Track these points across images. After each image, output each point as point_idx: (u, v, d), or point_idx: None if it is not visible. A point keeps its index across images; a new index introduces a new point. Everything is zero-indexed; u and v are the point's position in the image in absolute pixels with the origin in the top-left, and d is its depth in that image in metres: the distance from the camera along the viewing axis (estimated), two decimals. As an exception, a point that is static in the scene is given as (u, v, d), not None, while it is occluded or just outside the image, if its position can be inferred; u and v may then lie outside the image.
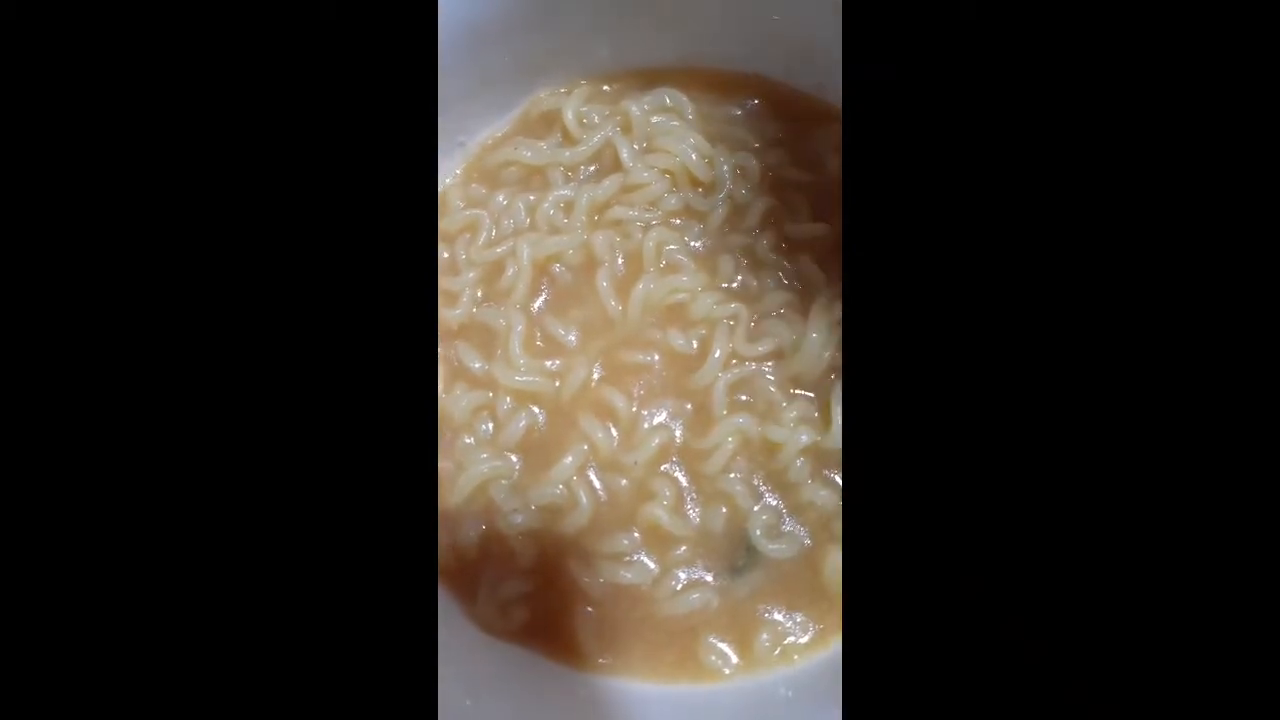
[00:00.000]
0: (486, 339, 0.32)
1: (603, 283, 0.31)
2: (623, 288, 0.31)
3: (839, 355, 0.30)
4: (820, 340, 0.30)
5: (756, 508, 0.29)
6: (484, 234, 0.33)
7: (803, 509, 0.29)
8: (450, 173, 0.34)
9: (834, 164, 0.33)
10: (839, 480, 0.29)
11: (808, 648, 0.28)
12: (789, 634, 0.28)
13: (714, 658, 0.28)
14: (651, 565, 0.29)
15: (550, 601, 0.29)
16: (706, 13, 0.31)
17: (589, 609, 0.28)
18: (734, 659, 0.28)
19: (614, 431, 0.30)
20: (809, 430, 0.29)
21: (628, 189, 0.33)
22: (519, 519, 0.29)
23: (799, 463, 0.29)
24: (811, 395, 0.30)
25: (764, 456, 0.30)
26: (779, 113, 0.33)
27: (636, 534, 0.29)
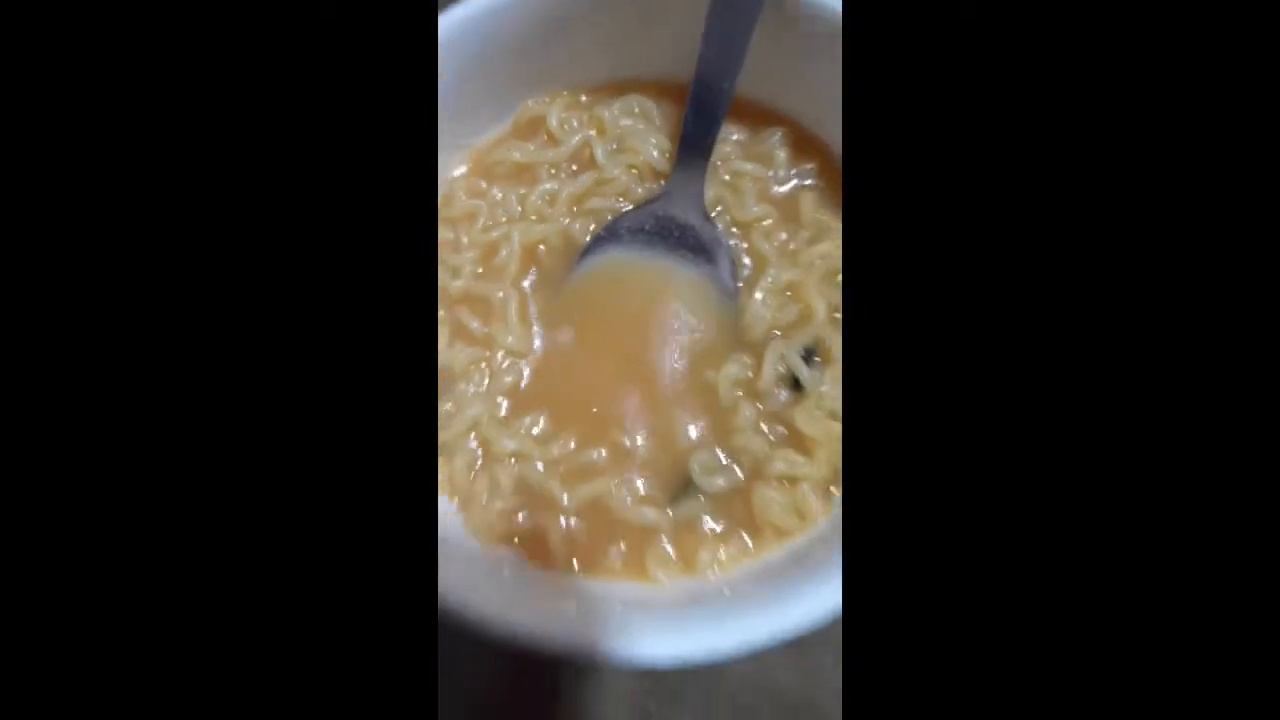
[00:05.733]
0: (484, 307, 0.37)
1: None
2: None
3: (779, 316, 0.35)
4: (761, 302, 0.35)
5: (696, 443, 0.34)
6: (481, 220, 0.38)
7: (739, 451, 0.34)
8: (456, 170, 0.39)
9: (779, 157, 0.38)
10: (765, 430, 0.34)
11: (740, 559, 0.33)
12: (724, 548, 0.33)
13: (658, 563, 0.32)
14: (614, 482, 0.34)
15: (533, 514, 0.34)
16: (672, 41, 0.36)
17: (563, 520, 0.33)
18: (676, 563, 0.33)
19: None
20: (745, 375, 0.34)
21: (601, 183, 0.38)
22: (510, 444, 0.34)
23: (746, 409, 0.34)
24: (749, 356, 0.35)
25: (708, 399, 0.34)
26: (732, 117, 0.38)
27: (604, 451, 0.34)
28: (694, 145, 0.36)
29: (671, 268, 0.36)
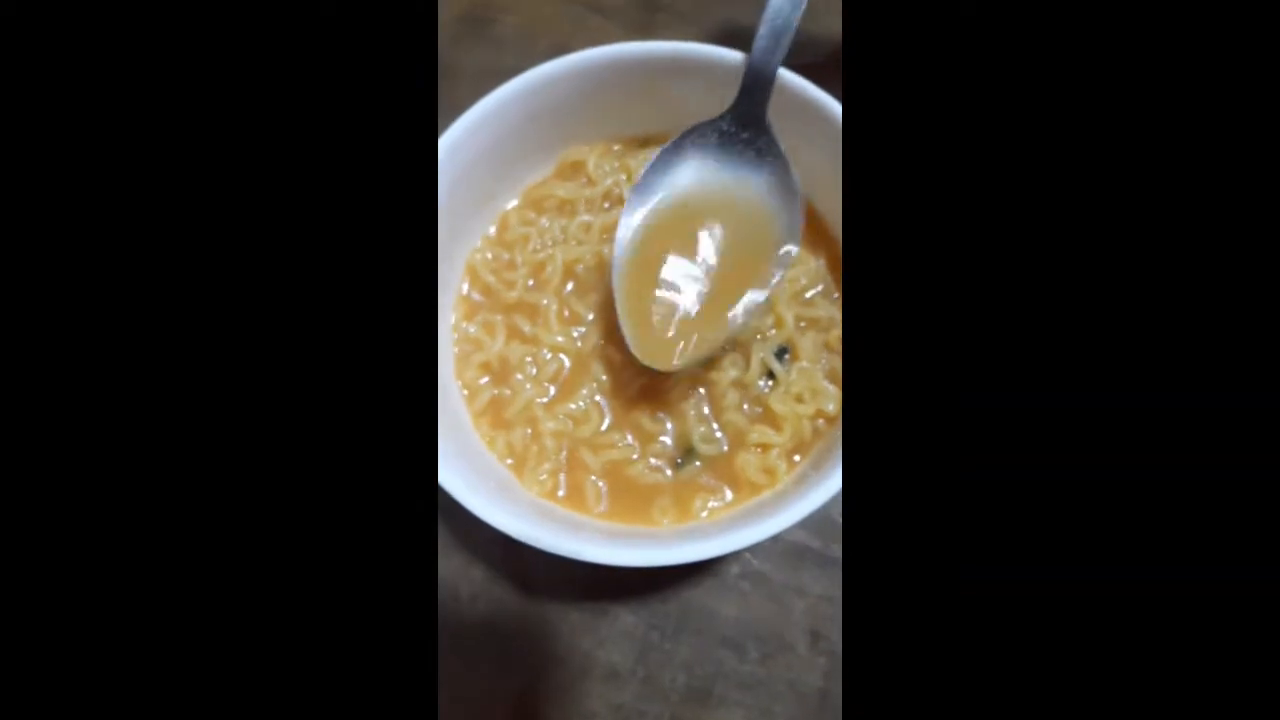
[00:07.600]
0: (533, 312, 0.44)
1: (609, 278, 0.46)
2: (622, 281, 0.46)
3: (760, 325, 0.44)
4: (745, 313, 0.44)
5: (699, 422, 0.43)
6: (532, 244, 0.46)
7: (726, 425, 0.42)
8: (510, 203, 0.48)
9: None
10: (745, 409, 0.43)
11: (724, 508, 0.42)
12: (713, 499, 0.42)
13: (661, 512, 0.41)
14: (635, 453, 0.43)
15: (572, 476, 0.42)
16: (683, 109, 0.44)
17: (594, 479, 0.42)
18: (674, 513, 0.41)
19: (611, 376, 0.44)
20: (737, 372, 0.43)
21: (627, 216, 0.46)
22: (552, 425, 0.42)
23: (731, 394, 0.43)
24: (740, 354, 0.44)
25: (708, 389, 0.43)
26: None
27: (629, 434, 0.43)
28: (759, 69, 0.40)
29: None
